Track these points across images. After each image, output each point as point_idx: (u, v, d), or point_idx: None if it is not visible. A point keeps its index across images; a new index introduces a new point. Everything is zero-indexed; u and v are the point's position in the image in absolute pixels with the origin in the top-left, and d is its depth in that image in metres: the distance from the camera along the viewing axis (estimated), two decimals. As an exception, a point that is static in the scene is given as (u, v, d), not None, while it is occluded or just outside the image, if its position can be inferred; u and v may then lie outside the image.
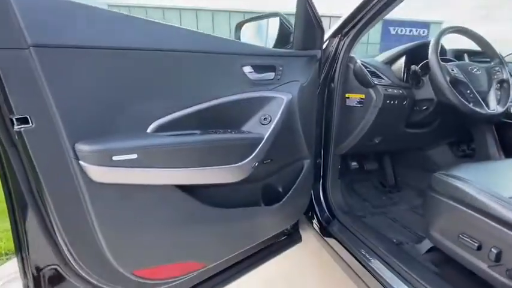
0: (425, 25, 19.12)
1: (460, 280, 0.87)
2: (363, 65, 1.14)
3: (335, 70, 1.19)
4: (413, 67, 1.12)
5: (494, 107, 1.01)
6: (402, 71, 1.17)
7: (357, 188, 1.67)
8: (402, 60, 1.18)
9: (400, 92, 1.13)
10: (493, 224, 0.73)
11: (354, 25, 1.11)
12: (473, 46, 1.41)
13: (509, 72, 1.14)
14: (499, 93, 1.06)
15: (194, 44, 0.72)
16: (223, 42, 0.80)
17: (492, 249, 0.73)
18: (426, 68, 1.12)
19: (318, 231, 1.31)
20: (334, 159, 1.28)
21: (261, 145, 0.83)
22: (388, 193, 1.64)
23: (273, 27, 1.09)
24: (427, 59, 1.10)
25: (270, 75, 0.88)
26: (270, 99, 0.87)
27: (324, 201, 1.30)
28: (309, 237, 1.40)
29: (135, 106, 0.63)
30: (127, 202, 0.62)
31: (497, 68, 1.09)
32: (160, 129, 0.67)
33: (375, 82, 1.11)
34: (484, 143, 1.26)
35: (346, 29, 1.14)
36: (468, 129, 1.35)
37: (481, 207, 0.76)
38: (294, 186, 1.05)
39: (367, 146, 1.32)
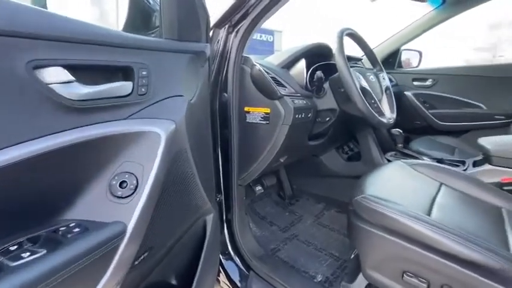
0: (271, 32, 22.54)
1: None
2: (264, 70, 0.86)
3: (226, 75, 0.85)
4: (318, 73, 0.97)
5: (389, 115, 1.02)
6: (305, 77, 0.99)
7: (259, 208, 1.45)
8: (302, 64, 1.00)
9: (305, 102, 0.94)
10: (439, 259, 0.64)
11: (246, 14, 0.80)
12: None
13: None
14: (387, 100, 1.09)
15: None
16: None
17: (444, 289, 0.63)
18: (327, 74, 0.99)
19: (230, 291, 0.96)
20: (239, 193, 0.96)
21: (122, 247, 0.37)
22: (288, 206, 1.52)
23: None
24: (326, 61, 0.97)
25: (123, 87, 0.42)
26: (128, 141, 0.41)
27: (234, 252, 0.96)
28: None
29: None
30: None
31: (382, 75, 1.12)
32: None
33: (281, 92, 0.86)
34: (368, 145, 1.33)
35: (235, 19, 0.82)
36: (353, 134, 1.39)
37: (424, 240, 0.66)
38: (200, 266, 0.64)
39: (271, 167, 1.09)
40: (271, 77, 0.88)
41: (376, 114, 0.91)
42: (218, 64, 0.86)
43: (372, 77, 1.03)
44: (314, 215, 1.43)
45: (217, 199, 0.94)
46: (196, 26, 0.59)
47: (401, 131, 1.33)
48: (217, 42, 0.87)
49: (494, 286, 0.56)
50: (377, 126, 0.98)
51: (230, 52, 0.85)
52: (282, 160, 1.06)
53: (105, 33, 0.41)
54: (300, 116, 0.89)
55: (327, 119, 1.04)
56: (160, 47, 0.51)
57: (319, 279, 0.96)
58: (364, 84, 0.93)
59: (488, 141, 1.06)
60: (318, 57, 1.06)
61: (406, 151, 1.36)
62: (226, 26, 0.83)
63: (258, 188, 1.31)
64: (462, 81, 1.76)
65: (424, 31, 1.74)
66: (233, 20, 0.81)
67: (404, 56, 1.99)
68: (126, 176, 0.40)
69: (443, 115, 1.79)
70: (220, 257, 0.94)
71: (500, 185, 0.99)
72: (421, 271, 0.67)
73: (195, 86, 0.60)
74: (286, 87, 0.91)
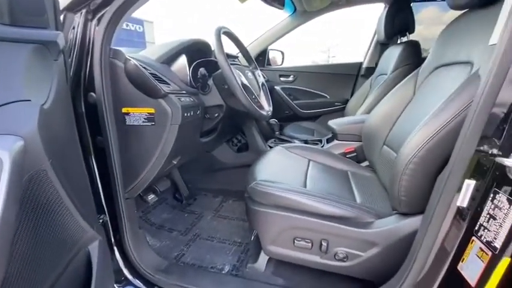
0: (140, 22, 20.31)
1: (302, 278, 0.92)
2: (140, 65, 0.77)
3: (91, 71, 0.71)
4: (202, 70, 0.94)
5: (267, 108, 1.14)
6: (188, 73, 0.95)
7: (155, 217, 1.33)
8: (183, 60, 0.95)
9: (192, 99, 0.91)
10: (316, 220, 0.80)
11: (109, -1, 0.69)
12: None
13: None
14: (264, 95, 1.21)
15: None
16: None
17: (322, 243, 0.80)
18: (209, 70, 0.99)
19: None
20: (128, 208, 0.84)
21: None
22: (187, 207, 1.48)
23: None
24: (206, 58, 0.97)
25: None
26: None
27: (132, 274, 0.85)
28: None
29: None
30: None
31: (257, 72, 1.23)
32: None
33: (165, 89, 0.79)
34: (253, 136, 1.46)
35: (96, 3, 0.69)
36: (240, 127, 1.48)
37: (304, 208, 0.80)
38: None
39: (164, 172, 1.01)
40: (151, 73, 0.80)
41: (258, 109, 1.01)
42: (78, 58, 0.70)
43: (249, 74, 1.13)
44: (213, 209, 1.46)
45: (101, 220, 0.79)
46: (39, 7, 0.45)
47: (277, 121, 1.55)
48: (73, 30, 0.70)
49: (353, 230, 0.76)
50: (259, 119, 1.09)
51: (93, 43, 0.71)
52: (175, 162, 1.00)
53: None
54: (188, 114, 0.86)
55: (216, 115, 1.06)
56: None
57: (227, 270, 1.00)
58: (245, 81, 1.01)
59: (334, 123, 1.41)
60: (198, 53, 1.05)
61: (282, 137, 1.60)
62: (84, 11, 0.68)
63: (151, 196, 1.19)
64: (313, 77, 2.24)
65: (284, 34, 2.07)
66: (92, 4, 0.67)
67: (271, 55, 2.29)
68: None
69: (303, 104, 2.21)
70: (116, 287, 0.80)
71: (344, 154, 1.33)
72: (306, 234, 0.82)
73: (47, 86, 0.46)
74: (169, 84, 0.86)
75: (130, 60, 0.75)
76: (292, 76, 2.26)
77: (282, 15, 2.04)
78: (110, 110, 0.74)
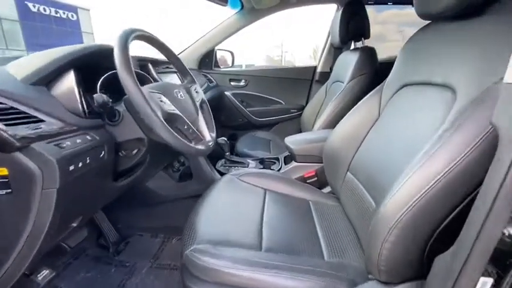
0: (74, 8, 17.94)
1: None
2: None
3: None
4: (97, 97, 0.63)
5: (209, 137, 0.88)
6: (78, 98, 0.63)
7: (67, 282, 0.99)
8: (71, 78, 0.63)
9: (90, 138, 0.61)
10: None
11: None
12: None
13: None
14: (204, 117, 0.94)
15: None
16: None
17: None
18: (115, 92, 0.69)
19: None
20: None
21: None
22: (116, 256, 1.16)
23: None
24: (106, 72, 0.68)
25: None
26: None
27: None
28: None
29: None
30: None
31: (194, 88, 0.95)
32: None
33: (23, 135, 0.48)
34: (197, 163, 1.19)
35: None
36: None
37: (260, 286, 0.59)
38: None
39: (57, 242, 0.70)
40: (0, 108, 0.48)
41: (193, 144, 0.75)
42: None
43: (180, 94, 0.85)
44: (151, 256, 1.16)
45: None
46: None
47: (226, 140, 1.30)
48: None
49: None
50: (196, 156, 0.84)
51: None
52: (75, 224, 0.69)
53: None
54: (78, 166, 0.56)
55: (135, 151, 0.76)
56: None
57: None
58: (171, 108, 0.71)
59: (291, 142, 1.22)
60: (101, 66, 0.73)
61: (233, 158, 1.37)
62: None
63: (44, 272, 0.84)
64: (266, 82, 2.04)
65: (233, 32, 1.81)
66: None
67: (219, 55, 2.02)
68: None
69: (258, 112, 2.01)
70: None
71: (304, 179, 1.16)
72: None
73: None
74: (43, 121, 0.54)
75: None
76: (243, 80, 2.03)
77: (230, 12, 1.78)
78: None
